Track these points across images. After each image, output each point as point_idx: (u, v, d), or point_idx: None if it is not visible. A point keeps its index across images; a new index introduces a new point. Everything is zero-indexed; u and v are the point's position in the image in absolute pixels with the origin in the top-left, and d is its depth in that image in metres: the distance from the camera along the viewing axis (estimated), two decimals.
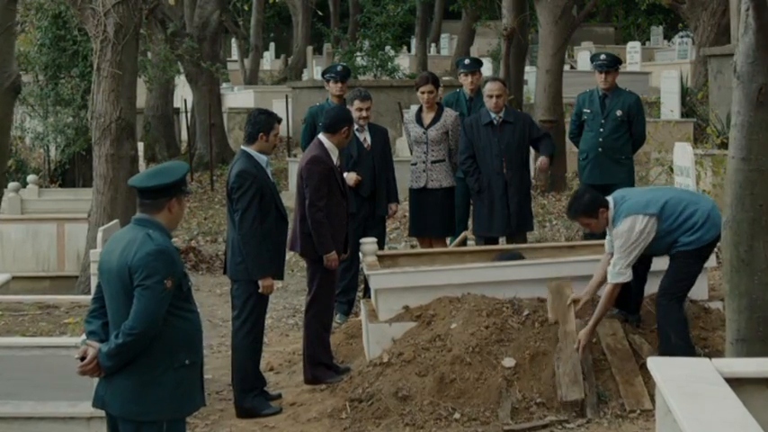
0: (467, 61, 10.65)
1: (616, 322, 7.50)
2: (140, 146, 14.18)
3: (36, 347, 7.03)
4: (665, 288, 7.20)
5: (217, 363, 8.81)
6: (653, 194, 7.36)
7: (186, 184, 5.31)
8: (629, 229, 7.05)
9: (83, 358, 5.09)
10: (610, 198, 7.27)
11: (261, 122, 7.54)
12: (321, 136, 8.07)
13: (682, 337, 7.07)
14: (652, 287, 7.55)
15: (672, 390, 3.82)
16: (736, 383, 4.01)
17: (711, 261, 8.02)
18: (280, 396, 7.82)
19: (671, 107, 18.27)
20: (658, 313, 7.21)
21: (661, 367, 4.07)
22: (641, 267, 7.42)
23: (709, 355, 7.23)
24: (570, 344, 7.15)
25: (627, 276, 7.10)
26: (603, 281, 7.31)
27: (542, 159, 9.73)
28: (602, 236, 9.22)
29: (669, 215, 7.10)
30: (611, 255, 7.21)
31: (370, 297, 8.37)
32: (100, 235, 7.56)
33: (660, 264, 7.40)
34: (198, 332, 5.24)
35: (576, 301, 7.40)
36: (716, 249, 8.17)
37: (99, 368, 5.05)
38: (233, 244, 7.57)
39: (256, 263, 7.44)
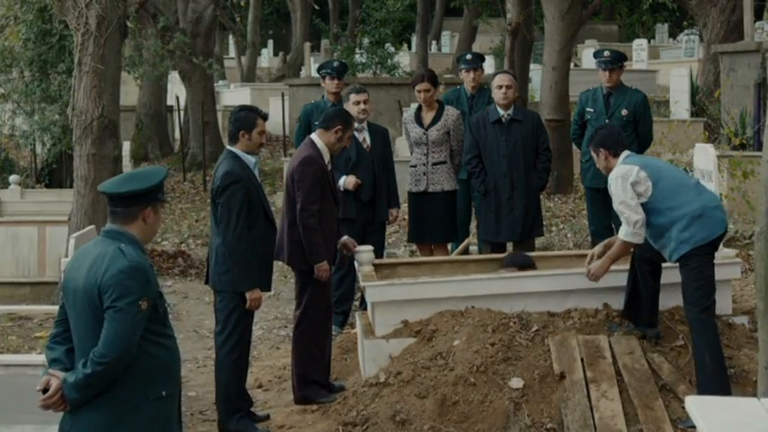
0: (469, 56, 10.14)
1: (633, 340, 6.97)
2: (126, 145, 13.66)
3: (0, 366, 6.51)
4: (687, 300, 6.70)
5: (201, 378, 8.38)
6: (659, 164, 7.08)
7: (163, 190, 4.76)
8: (622, 177, 6.74)
9: (45, 390, 4.57)
10: (626, 153, 6.98)
11: (241, 120, 7.05)
12: (314, 135, 7.57)
13: (716, 359, 6.57)
14: (668, 301, 7.11)
15: None
16: None
17: (735, 272, 7.53)
18: (268, 417, 7.35)
19: (683, 106, 17.77)
20: (692, 331, 6.71)
21: (703, 411, 3.46)
22: (651, 277, 6.98)
23: (735, 377, 6.75)
24: (578, 392, 6.58)
25: (638, 239, 6.74)
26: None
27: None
28: None
29: (660, 192, 6.72)
30: None
31: (366, 309, 7.81)
32: (72, 242, 6.97)
33: (672, 277, 6.88)
34: (176, 360, 4.76)
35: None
36: (738, 259, 7.69)
37: (64, 401, 4.55)
38: (217, 252, 7.02)
39: (243, 273, 6.96)
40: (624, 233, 6.77)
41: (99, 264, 4.51)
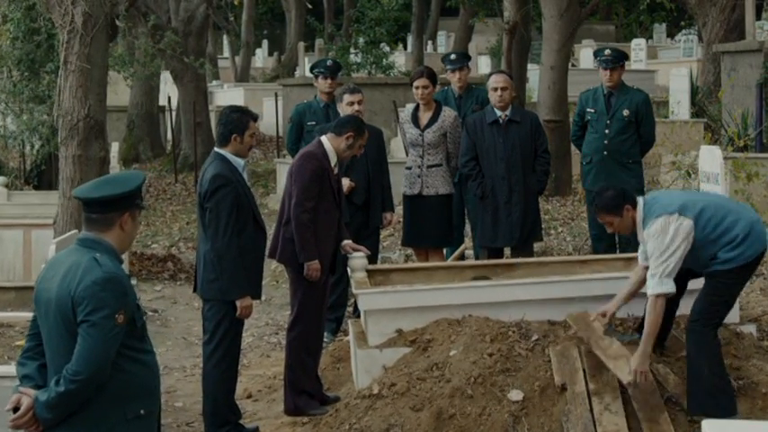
0: (453, 57, 9.89)
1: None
2: (114, 146, 13.37)
3: None
4: (699, 312, 6.36)
5: (189, 388, 8.17)
6: (689, 197, 6.53)
7: (141, 196, 4.50)
8: (662, 230, 6.17)
9: (15, 409, 4.33)
10: (640, 198, 6.44)
11: (233, 122, 6.79)
12: (323, 137, 7.39)
13: (717, 371, 6.30)
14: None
15: None
16: None
17: None
18: (257, 430, 7.12)
19: (684, 107, 17.55)
20: (689, 340, 6.42)
21: None
22: (676, 296, 6.54)
23: (744, 388, 6.51)
24: (580, 405, 6.33)
25: (669, 287, 6.17)
26: (633, 294, 6.53)
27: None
28: (613, 248, 8.43)
29: (707, 222, 6.24)
30: (646, 267, 6.34)
31: (359, 316, 7.55)
32: (52, 248, 6.69)
33: (691, 284, 6.63)
34: (155, 376, 4.53)
35: (603, 315, 6.56)
36: None
37: (36, 421, 4.31)
38: (205, 258, 6.77)
39: (233, 281, 6.72)
40: (651, 286, 6.17)
41: (72, 274, 4.28)
